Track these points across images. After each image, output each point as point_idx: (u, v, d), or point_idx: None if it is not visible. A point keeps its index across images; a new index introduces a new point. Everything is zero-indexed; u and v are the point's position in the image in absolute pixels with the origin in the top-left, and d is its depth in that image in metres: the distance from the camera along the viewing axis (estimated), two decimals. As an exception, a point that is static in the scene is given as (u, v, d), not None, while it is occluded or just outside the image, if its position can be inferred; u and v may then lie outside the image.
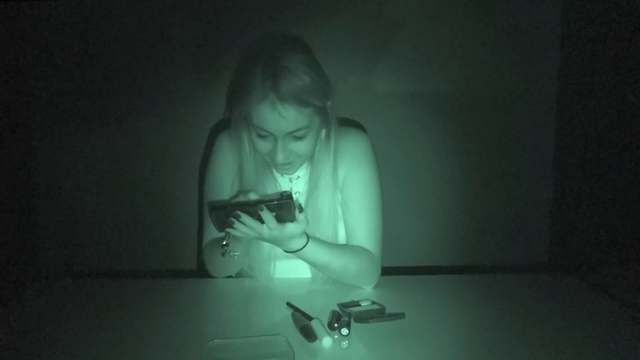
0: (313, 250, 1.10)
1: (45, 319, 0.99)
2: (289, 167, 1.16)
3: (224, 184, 1.24)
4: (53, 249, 2.00)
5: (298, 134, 1.10)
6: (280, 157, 1.10)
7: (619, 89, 1.73)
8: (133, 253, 2.00)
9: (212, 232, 1.21)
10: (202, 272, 1.53)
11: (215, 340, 0.88)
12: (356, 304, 1.03)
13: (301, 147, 1.12)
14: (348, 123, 1.30)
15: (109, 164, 1.96)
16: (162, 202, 1.98)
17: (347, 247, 1.20)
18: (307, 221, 1.06)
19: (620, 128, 1.73)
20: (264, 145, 1.12)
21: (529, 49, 1.97)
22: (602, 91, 1.81)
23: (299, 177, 1.27)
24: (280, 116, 1.05)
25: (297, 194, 1.27)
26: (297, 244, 1.08)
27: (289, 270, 1.27)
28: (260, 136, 1.11)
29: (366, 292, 1.14)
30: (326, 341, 0.89)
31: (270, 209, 0.99)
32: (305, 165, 1.26)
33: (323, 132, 1.19)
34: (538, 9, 1.95)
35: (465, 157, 2.02)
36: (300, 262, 1.26)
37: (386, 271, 1.25)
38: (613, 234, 1.77)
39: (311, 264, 1.15)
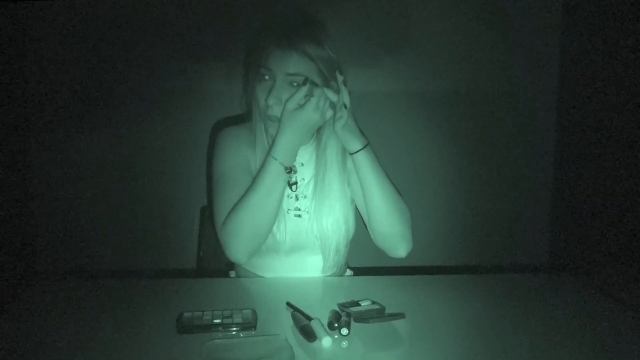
0: (373, 156, 1.18)
1: (44, 319, 0.99)
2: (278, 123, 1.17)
3: (234, 168, 1.24)
4: (53, 249, 1.99)
5: (295, 79, 1.14)
6: (271, 99, 1.15)
7: (619, 88, 1.73)
8: (133, 253, 2.00)
9: (229, 207, 1.17)
10: (202, 272, 1.53)
11: (215, 340, 0.88)
12: (356, 304, 1.03)
13: None
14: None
15: (108, 163, 1.96)
16: (162, 202, 1.98)
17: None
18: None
19: (620, 128, 1.73)
20: (262, 92, 1.17)
21: (529, 49, 1.97)
22: (602, 91, 1.81)
23: (302, 164, 1.27)
24: (284, 53, 1.14)
25: (303, 180, 1.27)
26: (359, 139, 1.17)
27: (291, 269, 1.27)
28: (261, 80, 1.17)
29: (366, 292, 1.14)
30: (326, 341, 0.89)
31: None
32: (309, 152, 1.28)
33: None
34: (538, 9, 1.96)
35: (465, 157, 2.02)
36: (302, 258, 1.26)
37: (386, 271, 1.25)
38: (613, 233, 1.77)
39: (373, 171, 1.18)
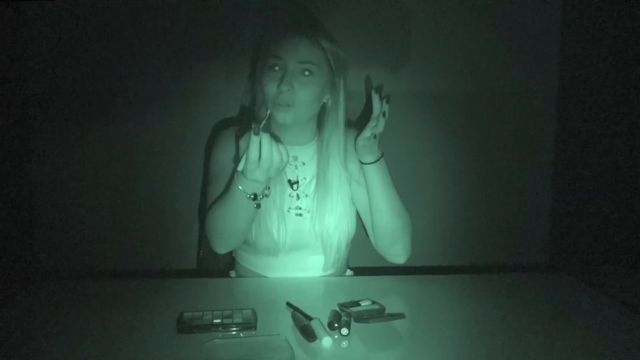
0: (384, 167, 1.20)
1: (44, 319, 0.99)
2: (288, 109, 1.17)
3: (226, 167, 1.24)
4: (53, 249, 1.99)
5: (306, 66, 1.16)
6: (284, 85, 1.14)
7: (619, 89, 1.73)
8: (133, 253, 1.99)
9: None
10: (202, 272, 1.53)
11: (215, 340, 0.88)
12: (356, 304, 1.03)
13: (303, 89, 1.16)
14: (348, 123, 1.31)
15: (109, 163, 1.96)
16: (162, 202, 1.98)
17: None
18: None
19: (620, 128, 1.73)
20: (272, 82, 1.16)
21: (529, 49, 1.97)
22: (602, 91, 1.81)
23: (304, 163, 1.28)
24: (296, 40, 1.17)
25: (304, 179, 1.27)
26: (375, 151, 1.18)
27: (292, 268, 1.27)
28: (271, 70, 1.17)
29: (366, 292, 1.14)
30: (326, 341, 0.89)
31: None
32: (311, 151, 1.28)
33: (329, 102, 1.24)
34: (538, 9, 1.96)
35: (464, 157, 2.02)
36: (303, 257, 1.27)
37: (386, 271, 1.25)
38: (613, 234, 1.77)
39: (383, 181, 1.20)
